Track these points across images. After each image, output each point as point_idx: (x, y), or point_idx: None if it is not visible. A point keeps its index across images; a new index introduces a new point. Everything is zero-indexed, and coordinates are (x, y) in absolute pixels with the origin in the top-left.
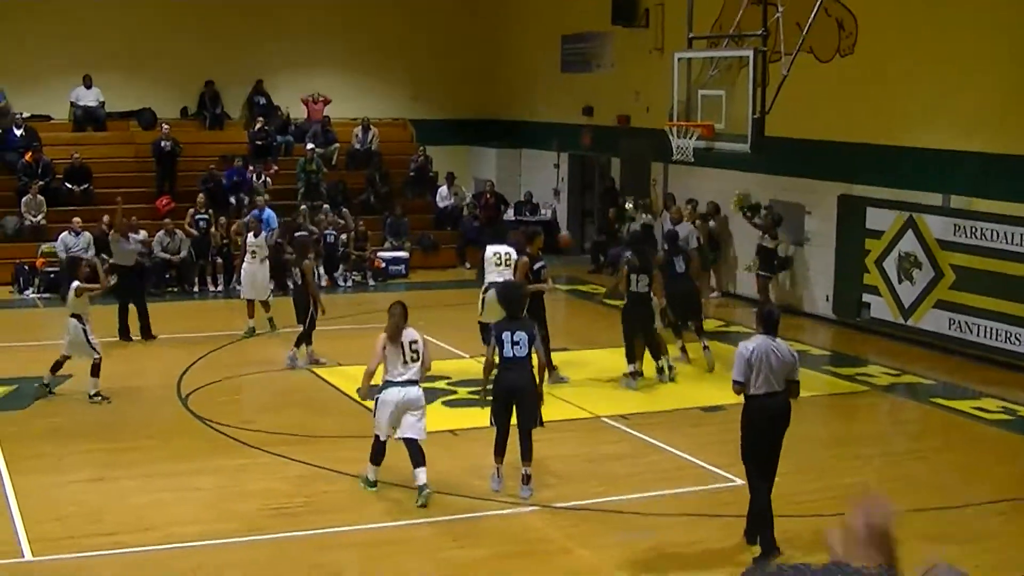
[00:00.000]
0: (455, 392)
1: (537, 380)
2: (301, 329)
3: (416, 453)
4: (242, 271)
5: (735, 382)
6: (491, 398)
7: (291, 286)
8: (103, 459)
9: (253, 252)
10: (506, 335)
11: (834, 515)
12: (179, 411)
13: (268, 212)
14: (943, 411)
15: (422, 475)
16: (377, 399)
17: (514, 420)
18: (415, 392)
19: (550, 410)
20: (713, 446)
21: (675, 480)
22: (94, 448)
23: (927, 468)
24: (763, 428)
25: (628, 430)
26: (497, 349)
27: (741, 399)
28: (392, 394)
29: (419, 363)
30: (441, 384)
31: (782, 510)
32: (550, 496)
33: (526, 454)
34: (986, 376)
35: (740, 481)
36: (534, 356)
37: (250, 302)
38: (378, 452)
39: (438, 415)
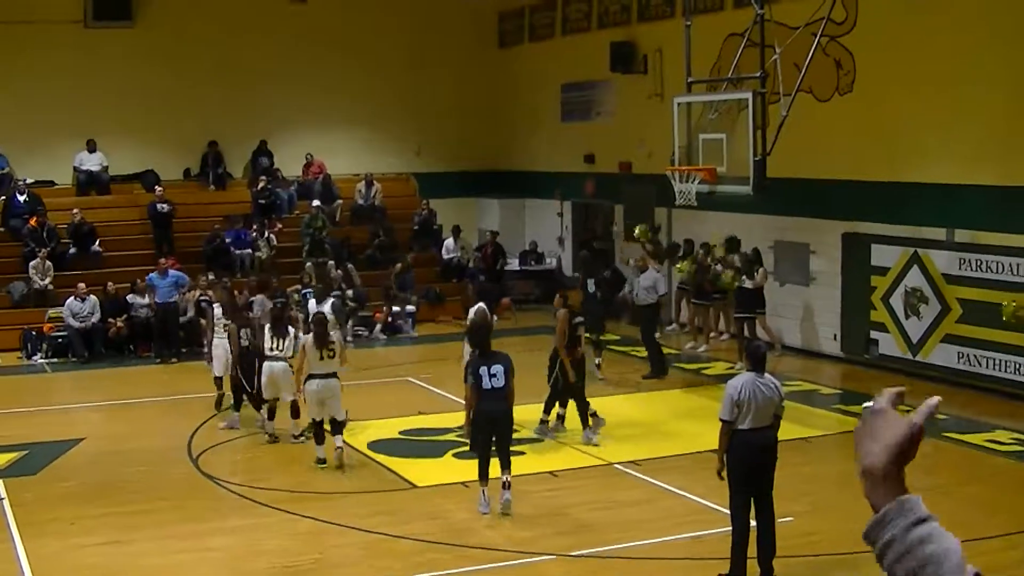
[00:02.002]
0: (465, 444)
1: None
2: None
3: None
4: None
5: (722, 420)
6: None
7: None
8: (117, 522)
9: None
10: (483, 369)
11: (851, 554)
12: (190, 471)
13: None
14: (956, 445)
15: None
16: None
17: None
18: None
19: (563, 459)
20: (724, 488)
21: (691, 524)
22: (107, 511)
23: (944, 503)
24: (753, 463)
25: (641, 476)
26: (476, 383)
27: None
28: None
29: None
30: (451, 436)
31: (799, 549)
32: (567, 544)
33: (505, 465)
34: (998, 408)
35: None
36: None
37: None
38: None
39: (448, 467)
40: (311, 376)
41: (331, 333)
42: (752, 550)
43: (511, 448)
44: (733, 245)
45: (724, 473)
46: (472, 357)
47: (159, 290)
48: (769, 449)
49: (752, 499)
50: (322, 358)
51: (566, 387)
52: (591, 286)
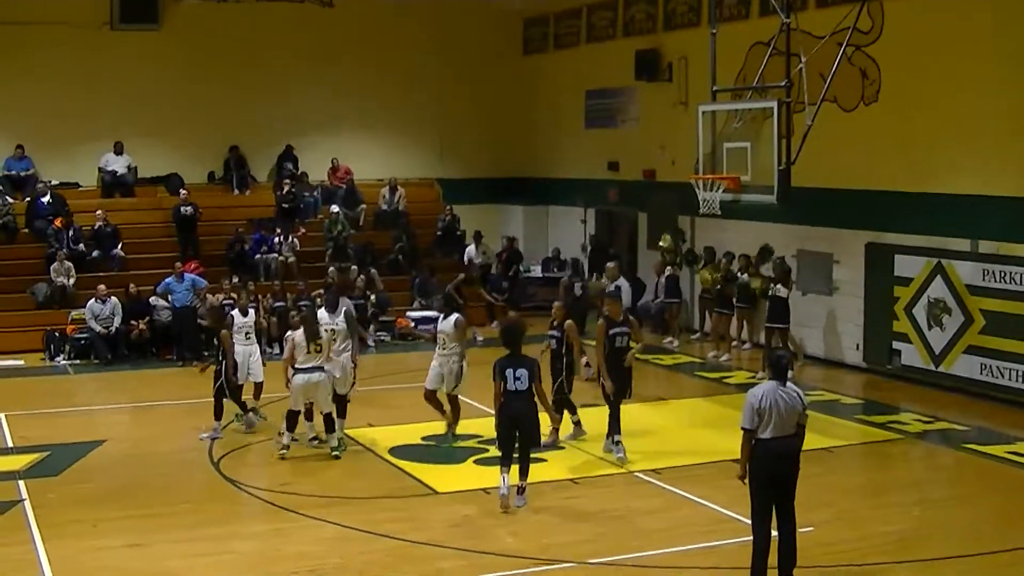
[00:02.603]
0: (487, 451)
1: (542, 406)
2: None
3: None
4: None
5: (744, 429)
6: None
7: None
8: (138, 525)
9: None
10: (509, 371)
11: (874, 564)
12: (211, 475)
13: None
14: (978, 457)
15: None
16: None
17: None
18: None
19: (584, 467)
20: (747, 498)
21: (710, 533)
22: (129, 514)
23: (965, 515)
24: (773, 471)
25: (661, 484)
26: (502, 383)
27: None
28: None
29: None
30: (472, 443)
31: (821, 560)
32: (586, 552)
33: (524, 471)
34: (1019, 420)
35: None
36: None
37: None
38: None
39: (470, 473)
40: (298, 370)
41: (323, 330)
42: (772, 560)
43: (532, 455)
44: (766, 254)
45: (746, 480)
46: (500, 358)
47: (176, 294)
48: (791, 458)
49: (774, 508)
50: (309, 351)
51: (607, 395)
52: (578, 289)
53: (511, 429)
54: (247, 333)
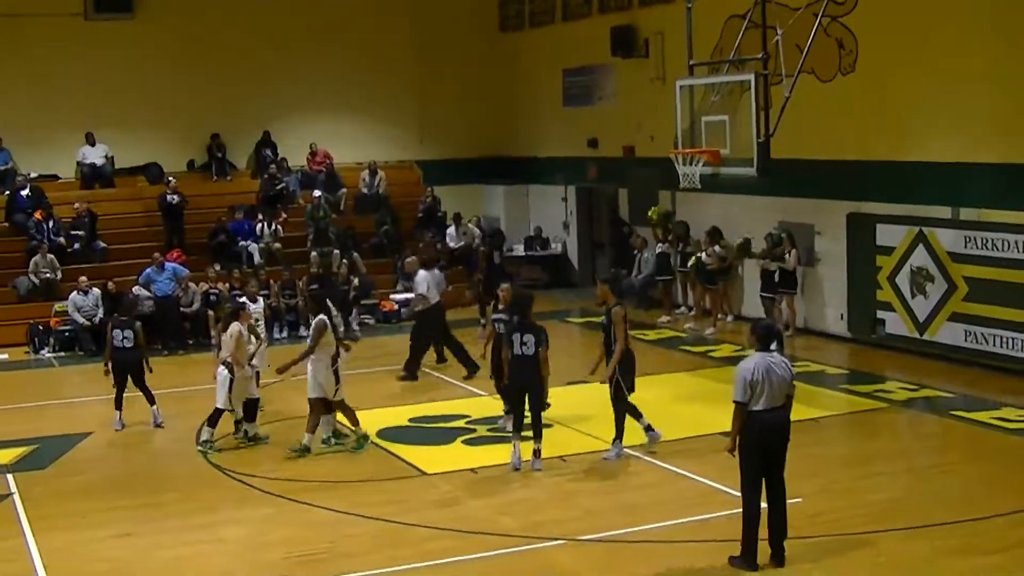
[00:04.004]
0: (474, 431)
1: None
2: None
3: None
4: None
5: (736, 402)
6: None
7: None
8: (128, 515)
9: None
10: (515, 336)
11: (864, 533)
12: (199, 463)
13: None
14: (964, 423)
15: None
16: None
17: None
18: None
19: (571, 444)
20: (733, 470)
21: (701, 507)
22: (118, 504)
23: (953, 481)
24: (765, 443)
25: (651, 460)
26: (509, 348)
27: None
28: None
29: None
30: (460, 423)
31: (810, 530)
32: (576, 529)
33: (537, 434)
34: (1005, 386)
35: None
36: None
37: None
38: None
39: (458, 454)
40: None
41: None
42: (762, 532)
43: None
44: (716, 235)
45: (735, 453)
46: (509, 324)
47: (157, 283)
48: (783, 429)
49: (765, 482)
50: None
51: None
52: (496, 257)
53: (520, 394)
54: (256, 320)
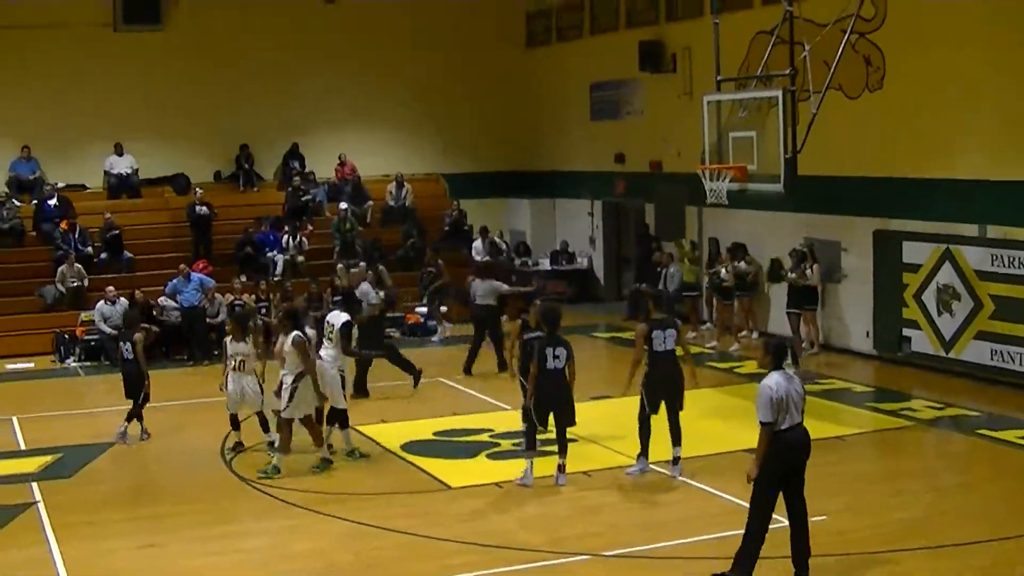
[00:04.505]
0: (498, 445)
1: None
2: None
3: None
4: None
5: (764, 423)
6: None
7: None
8: (151, 525)
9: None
10: (548, 349)
11: (888, 551)
12: (223, 473)
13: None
14: (989, 442)
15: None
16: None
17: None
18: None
19: (596, 460)
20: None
21: (725, 523)
22: (141, 514)
23: (977, 500)
24: (790, 461)
25: (673, 475)
26: (538, 363)
27: None
28: None
29: None
30: (484, 437)
31: (835, 548)
32: (600, 544)
33: (562, 449)
34: None
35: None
36: None
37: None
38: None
39: (483, 468)
40: None
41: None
42: (784, 550)
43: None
44: (739, 251)
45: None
46: (540, 338)
47: (183, 294)
48: (806, 446)
49: (785, 499)
50: None
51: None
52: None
53: (548, 410)
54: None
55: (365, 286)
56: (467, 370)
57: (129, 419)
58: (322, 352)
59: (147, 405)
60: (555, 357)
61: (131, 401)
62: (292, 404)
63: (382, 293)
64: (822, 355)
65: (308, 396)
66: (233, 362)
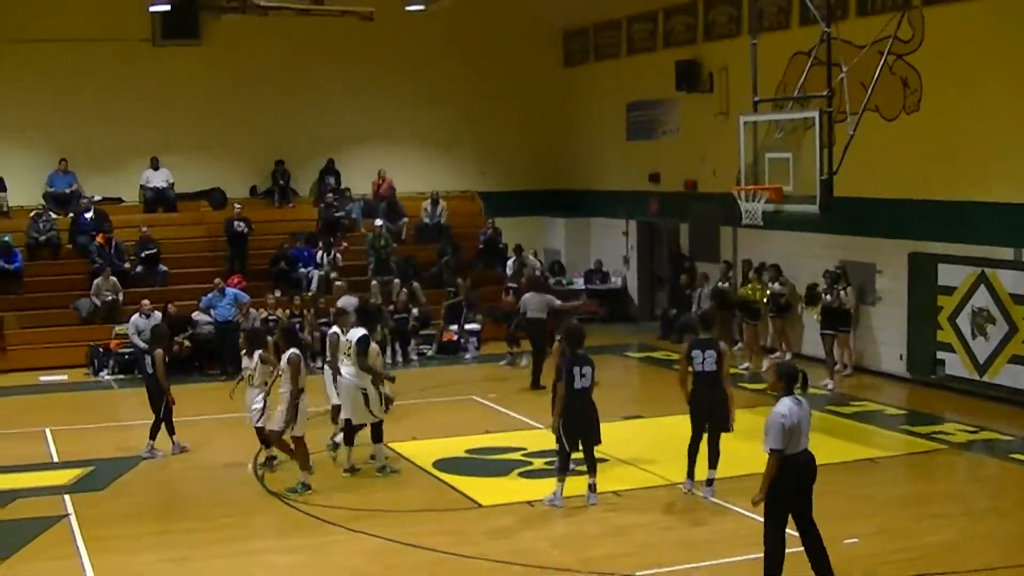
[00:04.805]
0: (530, 463)
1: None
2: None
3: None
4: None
5: (774, 450)
6: (561, 424)
7: (144, 374)
8: (182, 539)
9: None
10: (575, 369)
11: None
12: (254, 488)
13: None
14: (1022, 467)
15: None
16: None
17: None
18: None
19: (626, 479)
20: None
21: (755, 545)
22: (172, 528)
23: (1010, 525)
24: (800, 486)
25: (705, 496)
26: (565, 384)
27: (817, 462)
28: None
29: None
30: (517, 456)
31: (867, 571)
32: (630, 564)
33: (592, 468)
34: None
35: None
36: None
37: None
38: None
39: (514, 486)
40: None
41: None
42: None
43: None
44: (773, 271)
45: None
46: (565, 357)
47: (217, 309)
48: (814, 470)
49: (796, 523)
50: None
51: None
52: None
53: (579, 430)
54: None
55: (344, 299)
56: (535, 384)
57: (152, 435)
58: (343, 369)
59: (176, 419)
60: (582, 376)
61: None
62: (299, 421)
63: (416, 310)
64: (855, 377)
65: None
66: (243, 376)
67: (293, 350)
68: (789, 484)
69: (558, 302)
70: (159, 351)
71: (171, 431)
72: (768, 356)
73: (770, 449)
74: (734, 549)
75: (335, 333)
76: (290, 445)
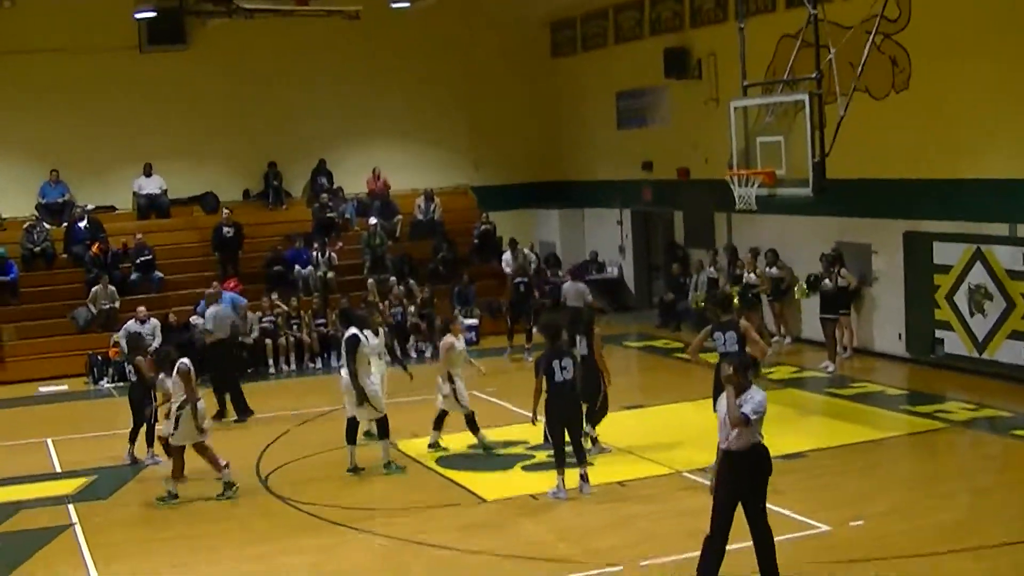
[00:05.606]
0: (533, 457)
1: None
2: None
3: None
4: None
5: (759, 437)
6: (545, 419)
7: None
8: (188, 545)
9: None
10: (555, 363)
11: (928, 554)
12: (258, 492)
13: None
14: (1023, 443)
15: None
16: None
17: None
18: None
19: (629, 470)
20: (795, 493)
21: None
22: (178, 534)
23: (1015, 500)
24: (767, 472)
25: (709, 483)
26: (547, 377)
27: (820, 445)
28: None
29: None
30: (519, 449)
31: (875, 551)
32: (637, 554)
33: (581, 458)
34: None
35: (825, 527)
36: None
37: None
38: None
39: (518, 480)
40: None
41: None
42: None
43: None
44: (771, 256)
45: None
46: (544, 352)
47: None
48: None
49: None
50: None
51: None
52: (523, 287)
53: (563, 423)
54: (380, 355)
55: (212, 309)
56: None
57: (149, 442)
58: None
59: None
60: (563, 369)
61: (158, 425)
62: (178, 431)
63: (412, 307)
64: (855, 358)
65: (192, 424)
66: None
67: (183, 360)
68: (763, 472)
69: (590, 296)
70: (139, 359)
71: (149, 441)
72: (770, 341)
73: (755, 439)
74: (741, 535)
75: (355, 335)
76: (208, 452)
